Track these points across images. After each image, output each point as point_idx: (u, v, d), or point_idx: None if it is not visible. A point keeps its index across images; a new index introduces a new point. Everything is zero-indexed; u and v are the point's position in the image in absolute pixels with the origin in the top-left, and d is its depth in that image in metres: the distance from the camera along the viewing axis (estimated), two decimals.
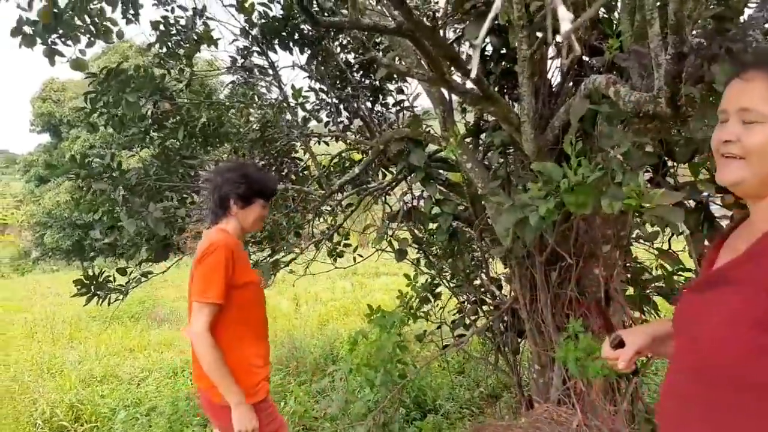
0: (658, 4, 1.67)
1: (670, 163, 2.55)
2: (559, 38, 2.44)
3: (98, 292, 3.79)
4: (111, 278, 3.88)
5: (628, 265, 3.04)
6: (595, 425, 2.77)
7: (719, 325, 0.99)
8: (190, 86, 4.46)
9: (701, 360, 1.03)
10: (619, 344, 1.31)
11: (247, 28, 4.21)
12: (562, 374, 2.96)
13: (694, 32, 2.04)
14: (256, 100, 4.55)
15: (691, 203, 2.33)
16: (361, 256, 4.55)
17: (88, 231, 3.97)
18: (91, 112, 3.79)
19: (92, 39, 3.83)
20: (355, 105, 4.34)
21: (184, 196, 4.21)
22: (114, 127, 3.99)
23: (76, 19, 3.65)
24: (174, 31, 4.26)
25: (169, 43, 4.29)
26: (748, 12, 2.12)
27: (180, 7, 4.27)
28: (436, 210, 3.39)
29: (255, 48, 4.32)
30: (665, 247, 2.86)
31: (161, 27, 4.22)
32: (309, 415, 4.40)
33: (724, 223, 2.30)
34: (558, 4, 0.47)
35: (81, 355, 7.15)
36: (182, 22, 4.25)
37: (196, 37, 4.26)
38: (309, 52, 4.32)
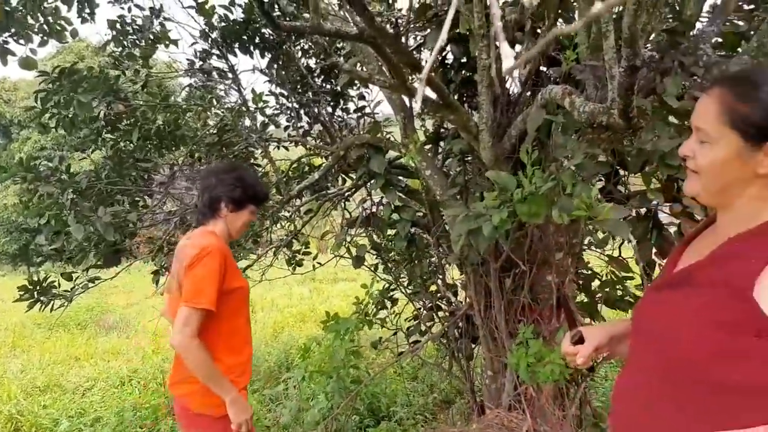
0: (614, 17, 1.72)
1: (621, 173, 2.63)
2: (519, 48, 2.49)
3: (41, 298, 3.65)
4: (56, 284, 3.74)
5: (579, 271, 3.11)
6: (544, 430, 2.81)
7: (684, 326, 1.02)
8: (146, 87, 4.37)
9: (667, 360, 1.05)
10: (579, 340, 1.34)
11: (206, 30, 4.16)
12: (513, 380, 2.99)
13: (647, 45, 2.11)
14: (215, 103, 4.48)
15: (642, 211, 2.40)
16: (320, 264, 4.51)
17: (36, 235, 3.80)
18: (41, 112, 3.64)
19: (45, 38, 3.72)
20: (316, 110, 4.32)
21: (137, 199, 4.10)
22: (65, 128, 3.84)
23: (29, 17, 3.54)
24: (130, 31, 4.17)
25: (126, 43, 4.20)
26: (699, 26, 2.21)
27: (137, 6, 4.19)
28: (395, 216, 3.40)
29: (214, 51, 4.26)
30: (615, 253, 2.95)
31: (117, 26, 4.13)
32: (261, 423, 4.33)
33: (672, 230, 2.37)
34: (501, 40, 0.47)
35: (24, 363, 6.85)
36: (139, 21, 4.17)
37: (152, 38, 4.19)
38: (270, 56, 4.29)
